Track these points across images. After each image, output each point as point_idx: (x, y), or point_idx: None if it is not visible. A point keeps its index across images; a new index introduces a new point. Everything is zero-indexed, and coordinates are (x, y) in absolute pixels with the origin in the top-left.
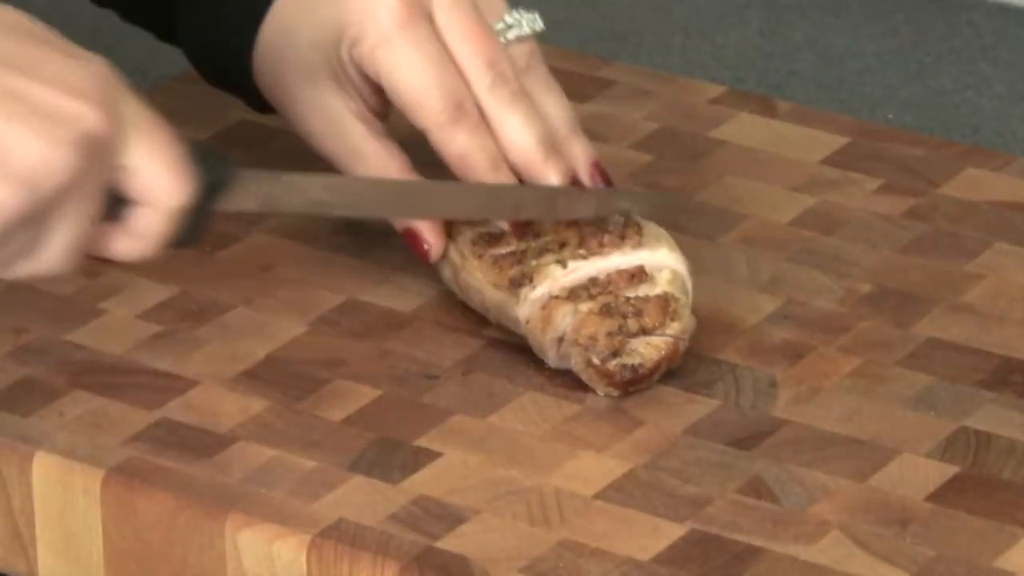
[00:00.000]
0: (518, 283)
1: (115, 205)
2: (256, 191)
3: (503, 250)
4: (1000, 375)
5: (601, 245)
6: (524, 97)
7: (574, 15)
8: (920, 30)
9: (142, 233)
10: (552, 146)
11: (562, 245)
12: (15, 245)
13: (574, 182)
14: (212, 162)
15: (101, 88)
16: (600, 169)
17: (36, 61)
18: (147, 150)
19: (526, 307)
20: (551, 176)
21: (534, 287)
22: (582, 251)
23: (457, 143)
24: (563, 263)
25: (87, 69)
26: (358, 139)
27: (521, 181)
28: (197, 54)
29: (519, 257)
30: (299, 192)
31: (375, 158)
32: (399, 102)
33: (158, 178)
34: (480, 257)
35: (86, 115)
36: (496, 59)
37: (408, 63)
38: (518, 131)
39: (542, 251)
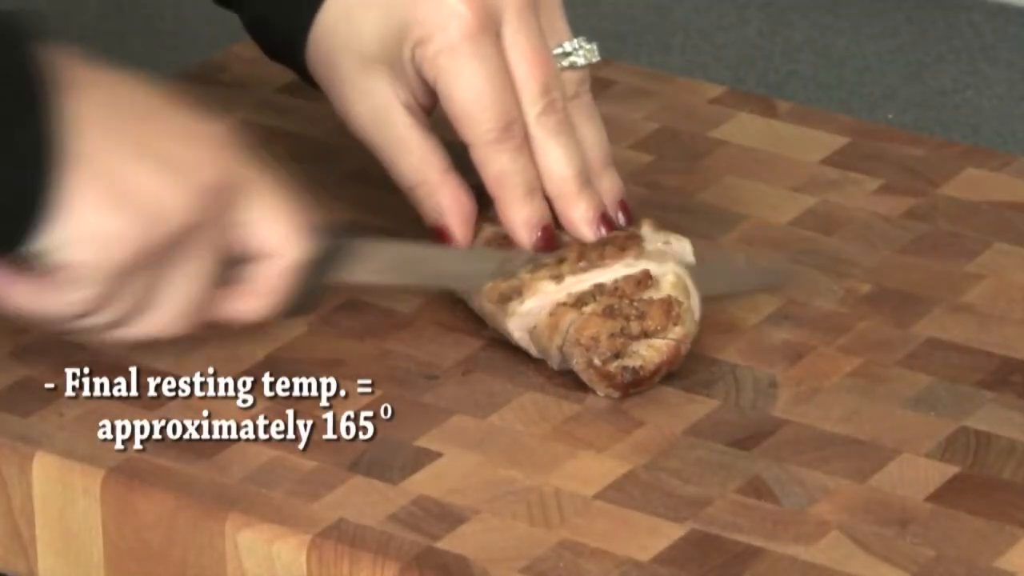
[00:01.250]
0: (507, 297)
1: (236, 269)
2: (376, 262)
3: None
4: (1000, 375)
5: (602, 257)
6: (569, 128)
7: (574, 15)
8: (920, 30)
9: (261, 290)
10: (586, 181)
11: (560, 260)
12: (131, 292)
13: (604, 222)
14: (334, 230)
15: (221, 144)
16: (626, 207)
17: (161, 114)
18: (268, 205)
19: (516, 320)
20: (582, 211)
21: (523, 301)
22: (582, 264)
23: (499, 163)
24: (558, 278)
25: (213, 128)
26: (404, 129)
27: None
28: (255, 24)
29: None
30: (420, 264)
31: (418, 151)
32: (451, 111)
33: (278, 232)
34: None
35: (209, 166)
36: (551, 87)
37: (469, 75)
38: (559, 162)
39: (538, 265)
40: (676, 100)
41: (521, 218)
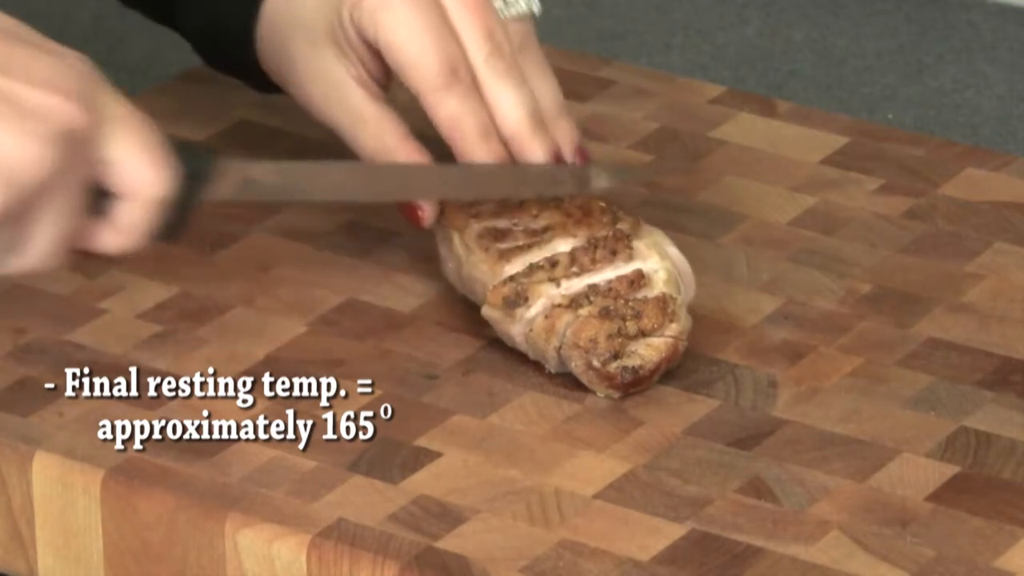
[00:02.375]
0: (513, 303)
1: (99, 199)
2: (236, 178)
3: (509, 244)
4: (1000, 375)
5: (594, 262)
6: (518, 72)
7: (574, 15)
8: (920, 30)
9: (126, 226)
10: (540, 122)
11: (553, 264)
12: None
13: (557, 160)
14: (192, 153)
15: (79, 84)
16: (583, 151)
17: (13, 58)
18: (127, 143)
19: (522, 325)
20: (537, 150)
21: (529, 307)
22: (575, 269)
23: (449, 107)
24: (556, 281)
25: (65, 65)
26: (358, 103)
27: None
28: (198, 35)
29: (524, 251)
30: (278, 177)
31: (375, 123)
32: (395, 62)
33: (139, 170)
34: (486, 250)
35: (64, 110)
36: (494, 31)
37: (407, 24)
38: (510, 103)
39: (533, 270)
40: (676, 100)
41: (479, 159)
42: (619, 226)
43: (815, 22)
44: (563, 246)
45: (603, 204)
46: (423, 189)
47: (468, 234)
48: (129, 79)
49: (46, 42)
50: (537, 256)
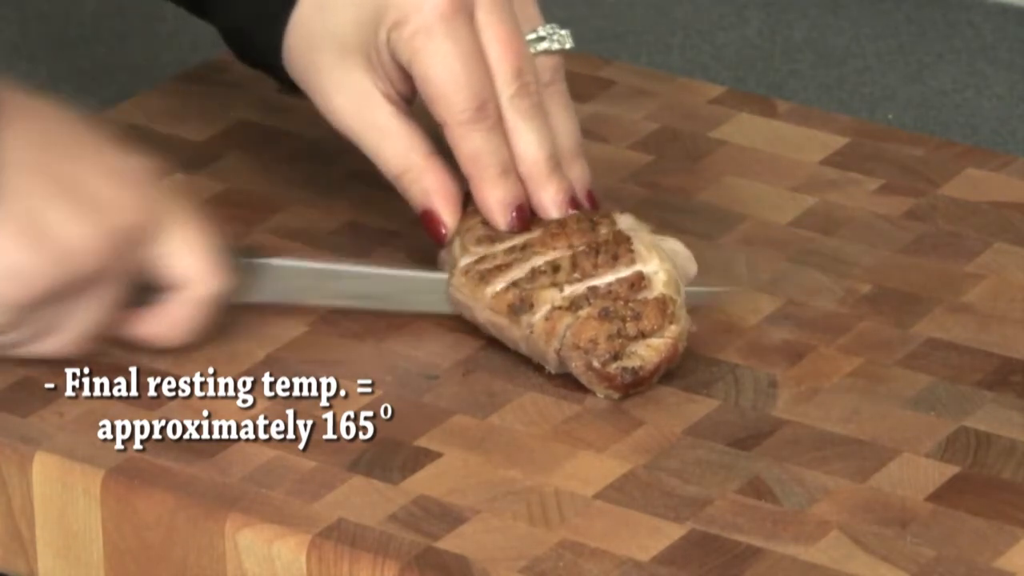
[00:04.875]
0: (518, 310)
1: (151, 294)
2: (285, 284)
3: (488, 265)
4: (1000, 375)
5: (595, 267)
6: (542, 111)
7: (574, 15)
8: (920, 30)
9: (174, 320)
10: (558, 164)
11: (556, 269)
12: (38, 322)
13: (571, 202)
14: (242, 255)
15: (143, 181)
16: (593, 197)
17: (87, 152)
18: (184, 240)
19: (523, 328)
20: (551, 191)
21: (534, 313)
22: (576, 274)
23: (473, 143)
24: (559, 286)
25: (133, 164)
26: (385, 118)
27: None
28: (229, 30)
29: (504, 271)
30: (327, 285)
31: (400, 137)
32: (425, 91)
33: (194, 265)
34: (466, 274)
35: (126, 206)
36: (524, 69)
37: (443, 54)
38: (531, 144)
39: (536, 275)
40: (676, 100)
41: (496, 198)
42: (602, 231)
43: (815, 22)
44: (542, 260)
45: (578, 214)
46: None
47: (469, 237)
48: (129, 79)
49: (115, 141)
50: (518, 274)
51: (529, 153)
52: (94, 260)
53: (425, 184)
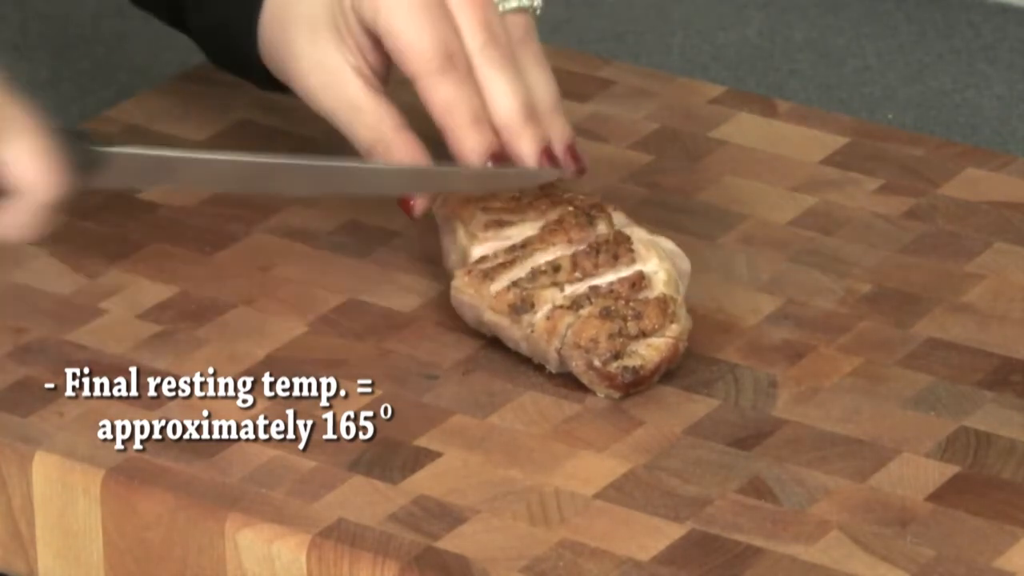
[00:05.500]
0: (520, 310)
1: None
2: (128, 170)
3: (491, 264)
4: (1000, 375)
5: (596, 267)
6: (513, 63)
7: (574, 15)
8: (920, 30)
9: (17, 220)
10: (532, 115)
11: (556, 269)
12: None
13: (547, 155)
14: (82, 144)
15: None
16: (575, 150)
17: None
18: (21, 146)
19: (524, 327)
20: (527, 141)
21: (535, 312)
22: (577, 274)
23: (443, 92)
24: (560, 286)
25: None
26: (356, 93)
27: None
28: (204, 34)
29: (507, 268)
30: (168, 171)
31: (372, 113)
32: (392, 46)
33: (31, 168)
34: (469, 273)
35: None
36: (491, 21)
37: (405, 7)
38: (503, 93)
39: (536, 275)
40: (676, 100)
41: (469, 145)
42: (600, 226)
43: (815, 22)
44: (543, 258)
45: (574, 208)
46: (298, 184)
47: (475, 224)
48: (129, 79)
49: None
50: (519, 273)
51: (502, 102)
52: None
53: (396, 156)
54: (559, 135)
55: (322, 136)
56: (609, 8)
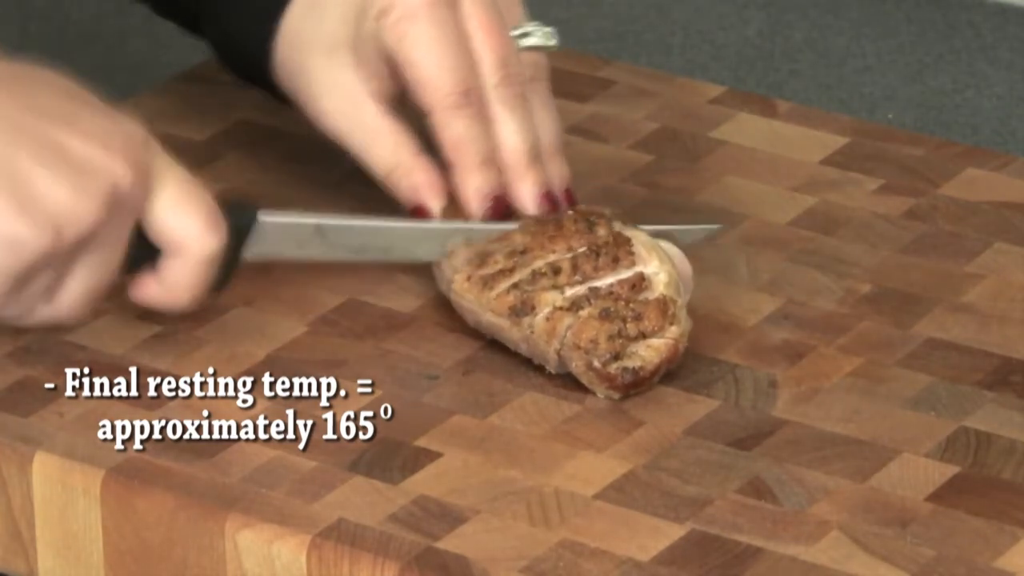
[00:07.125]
0: (520, 312)
1: (151, 255)
2: (285, 237)
3: (491, 270)
4: (1000, 375)
5: (596, 269)
6: (525, 104)
7: (574, 15)
8: (920, 30)
9: (174, 283)
10: (537, 159)
11: (556, 271)
12: (35, 288)
13: (547, 198)
14: (240, 209)
15: (133, 146)
16: (571, 195)
17: (75, 116)
18: (176, 200)
19: (524, 328)
20: (530, 184)
21: (536, 314)
22: (577, 276)
23: (456, 129)
24: (560, 289)
25: (122, 127)
26: (373, 116)
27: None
28: (221, 43)
29: (507, 275)
30: (324, 239)
31: (388, 135)
32: (411, 77)
33: (188, 226)
34: (469, 279)
35: (116, 170)
36: (508, 59)
37: (428, 39)
38: (513, 134)
39: (536, 277)
40: (676, 100)
41: (474, 186)
42: (600, 232)
43: (815, 22)
44: (543, 263)
45: (574, 215)
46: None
47: (454, 257)
48: (129, 79)
49: (107, 107)
50: (519, 276)
51: (510, 143)
52: (85, 224)
53: (414, 180)
54: (558, 177)
55: (323, 137)
56: (609, 8)
